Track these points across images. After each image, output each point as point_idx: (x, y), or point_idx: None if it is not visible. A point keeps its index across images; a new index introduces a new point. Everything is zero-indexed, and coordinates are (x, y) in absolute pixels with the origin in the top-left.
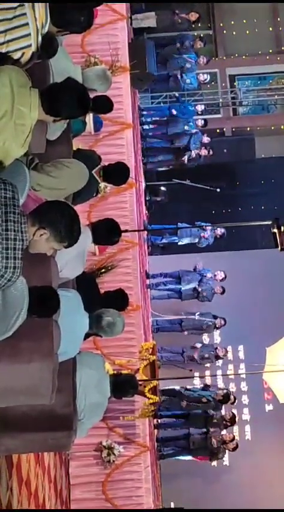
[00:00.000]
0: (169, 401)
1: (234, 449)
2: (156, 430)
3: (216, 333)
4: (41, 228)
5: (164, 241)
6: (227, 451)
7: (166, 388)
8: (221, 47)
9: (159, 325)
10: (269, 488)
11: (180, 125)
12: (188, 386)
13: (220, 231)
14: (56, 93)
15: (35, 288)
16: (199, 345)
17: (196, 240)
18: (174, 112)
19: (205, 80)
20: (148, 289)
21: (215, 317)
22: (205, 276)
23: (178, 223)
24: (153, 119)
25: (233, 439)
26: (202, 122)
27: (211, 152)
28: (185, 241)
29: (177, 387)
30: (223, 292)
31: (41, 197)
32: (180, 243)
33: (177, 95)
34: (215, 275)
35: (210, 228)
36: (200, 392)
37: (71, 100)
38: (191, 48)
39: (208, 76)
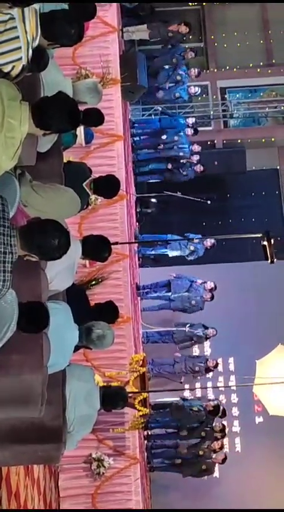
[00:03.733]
0: (159, 413)
1: (223, 460)
2: (145, 441)
3: (206, 344)
4: (30, 255)
5: (154, 252)
6: (217, 464)
7: (158, 401)
8: (212, 60)
9: (149, 337)
10: (259, 499)
11: (170, 136)
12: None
13: (209, 241)
14: (46, 107)
15: (25, 305)
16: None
17: (186, 253)
18: (164, 136)
19: (196, 92)
20: (139, 298)
21: (206, 327)
22: (195, 282)
23: (168, 235)
24: (144, 130)
25: (222, 447)
26: (192, 131)
27: (202, 168)
28: (175, 253)
29: (171, 399)
30: (212, 298)
31: (28, 212)
32: (170, 255)
33: (160, 108)
34: (204, 283)
35: (198, 240)
36: (191, 401)
37: (61, 114)
38: (182, 60)
39: (199, 89)
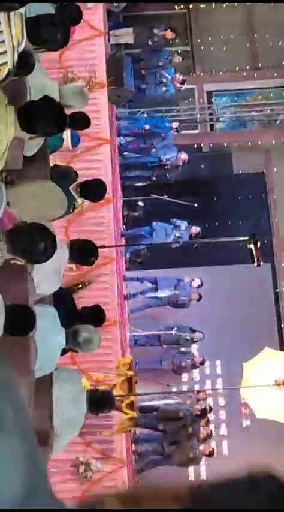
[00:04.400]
0: (146, 417)
1: (210, 453)
2: (133, 445)
3: (194, 347)
4: (16, 259)
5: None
6: (203, 458)
7: (144, 405)
8: (198, 63)
9: (137, 340)
10: None
11: (156, 138)
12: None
13: (194, 229)
14: (32, 111)
15: (11, 308)
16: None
17: (171, 239)
18: (147, 127)
19: (181, 87)
20: (126, 301)
21: (193, 331)
22: (182, 281)
23: (153, 222)
24: (130, 131)
25: (211, 435)
26: (177, 127)
27: (187, 160)
28: (159, 240)
29: (158, 402)
30: (199, 299)
31: (15, 215)
32: (155, 241)
33: (145, 115)
34: (192, 280)
35: (184, 226)
36: (177, 406)
37: (47, 118)
38: (169, 64)
39: (184, 86)
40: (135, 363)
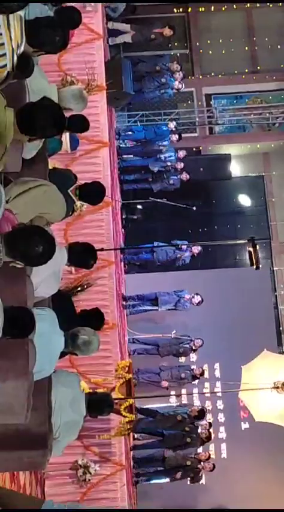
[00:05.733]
0: (144, 422)
1: (211, 470)
2: (131, 452)
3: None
4: (15, 262)
5: (140, 257)
6: (204, 471)
7: (143, 407)
8: (197, 66)
9: (136, 349)
10: (244, 506)
11: (156, 146)
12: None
13: (196, 249)
14: (31, 113)
15: (10, 310)
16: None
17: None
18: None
19: (181, 88)
20: (125, 310)
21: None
22: (183, 298)
23: (154, 242)
24: (129, 140)
25: (209, 457)
26: (177, 136)
27: (188, 177)
28: (161, 261)
29: (156, 405)
30: (199, 303)
31: (13, 218)
32: (154, 261)
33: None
34: (192, 297)
35: (185, 246)
36: (175, 409)
37: (45, 119)
38: (167, 70)
39: (183, 85)
40: (135, 378)
